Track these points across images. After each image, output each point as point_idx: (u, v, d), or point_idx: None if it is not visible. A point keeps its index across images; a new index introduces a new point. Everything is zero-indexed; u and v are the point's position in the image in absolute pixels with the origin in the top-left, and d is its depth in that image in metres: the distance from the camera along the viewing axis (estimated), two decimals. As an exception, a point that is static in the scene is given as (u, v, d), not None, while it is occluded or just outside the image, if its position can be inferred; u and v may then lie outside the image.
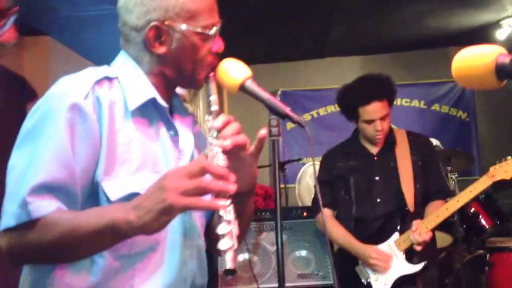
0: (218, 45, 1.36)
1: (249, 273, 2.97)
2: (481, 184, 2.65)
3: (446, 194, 2.92)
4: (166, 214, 1.07)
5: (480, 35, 5.93)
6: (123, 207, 1.11)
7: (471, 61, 0.97)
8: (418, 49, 6.49)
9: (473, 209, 4.15)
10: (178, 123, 1.40)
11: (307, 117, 6.64)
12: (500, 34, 5.67)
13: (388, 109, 2.82)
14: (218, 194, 1.13)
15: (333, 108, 6.49)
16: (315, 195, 3.29)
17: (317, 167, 3.08)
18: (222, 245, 1.11)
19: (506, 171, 2.64)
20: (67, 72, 1.39)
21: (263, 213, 3.33)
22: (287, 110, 1.37)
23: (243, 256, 3.07)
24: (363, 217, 2.84)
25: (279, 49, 6.31)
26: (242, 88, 1.39)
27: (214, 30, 1.33)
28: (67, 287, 1.21)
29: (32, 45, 4.66)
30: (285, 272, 1.36)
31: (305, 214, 3.31)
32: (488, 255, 4.01)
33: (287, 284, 2.92)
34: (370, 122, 2.81)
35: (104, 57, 1.40)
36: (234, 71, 1.40)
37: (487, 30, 5.75)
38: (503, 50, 0.95)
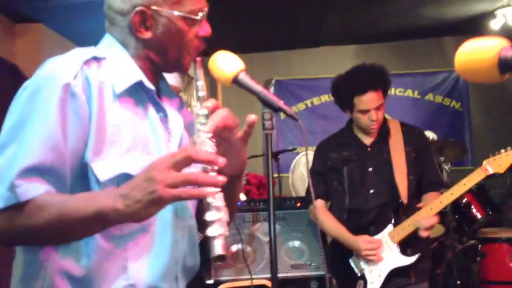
0: (206, 29, 1.35)
1: (243, 263, 2.98)
2: (474, 177, 2.66)
3: (440, 186, 2.92)
4: (155, 205, 1.08)
5: (475, 25, 5.92)
6: (111, 194, 1.10)
7: (474, 54, 0.95)
8: (412, 39, 6.49)
9: (465, 199, 4.18)
10: (167, 105, 1.40)
11: (301, 106, 6.64)
12: (495, 24, 5.67)
13: (382, 99, 2.81)
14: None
15: (327, 98, 6.49)
16: (309, 186, 3.29)
17: (310, 157, 3.08)
18: (210, 231, 1.12)
19: (500, 165, 2.64)
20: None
21: (257, 203, 3.34)
22: (280, 103, 1.36)
23: (236, 247, 3.08)
24: (357, 208, 2.84)
25: (274, 38, 6.29)
26: (236, 81, 1.38)
27: (200, 14, 1.32)
28: (60, 270, 1.21)
29: (24, 32, 4.63)
30: (278, 262, 1.37)
31: (298, 204, 3.31)
32: (480, 245, 4.04)
33: (280, 275, 2.93)
34: (365, 112, 2.80)
35: (96, 45, 1.39)
36: (227, 64, 1.39)
37: (482, 20, 5.75)
38: (506, 43, 0.93)
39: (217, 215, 1.13)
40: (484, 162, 2.68)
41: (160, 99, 1.39)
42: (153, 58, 1.34)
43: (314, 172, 2.95)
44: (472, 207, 4.17)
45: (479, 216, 4.15)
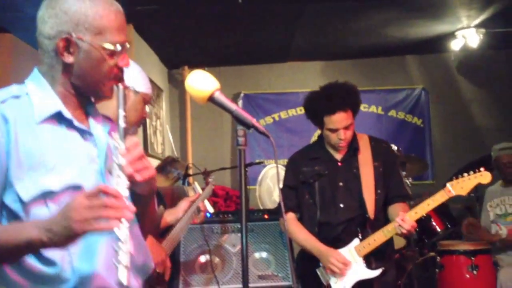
0: (125, 61, 1.47)
1: (210, 274, 3.03)
2: (438, 199, 2.83)
3: (406, 198, 3.03)
4: (72, 237, 1.26)
5: (436, 45, 6.16)
6: (38, 226, 1.28)
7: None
8: (377, 57, 6.67)
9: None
10: (92, 122, 1.52)
11: (268, 120, 6.74)
12: (455, 45, 5.90)
13: (352, 119, 2.89)
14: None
15: (295, 112, 6.62)
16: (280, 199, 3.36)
17: (280, 170, 3.14)
18: (115, 259, 1.27)
19: (462, 188, 2.83)
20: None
21: (225, 215, 3.40)
22: (254, 121, 1.46)
23: (205, 257, 3.13)
24: (327, 222, 2.90)
25: (243, 52, 6.38)
26: (211, 100, 1.47)
27: (120, 47, 1.44)
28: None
29: (-6, 42, 4.60)
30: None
31: (266, 216, 3.39)
32: (438, 257, 4.20)
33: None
34: (334, 131, 2.88)
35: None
36: (203, 83, 1.48)
37: (443, 40, 5.98)
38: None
39: (122, 246, 1.27)
40: (448, 184, 2.83)
41: (87, 118, 1.51)
42: (75, 83, 1.46)
43: (286, 186, 3.01)
44: (432, 220, 4.32)
45: (439, 229, 4.31)
